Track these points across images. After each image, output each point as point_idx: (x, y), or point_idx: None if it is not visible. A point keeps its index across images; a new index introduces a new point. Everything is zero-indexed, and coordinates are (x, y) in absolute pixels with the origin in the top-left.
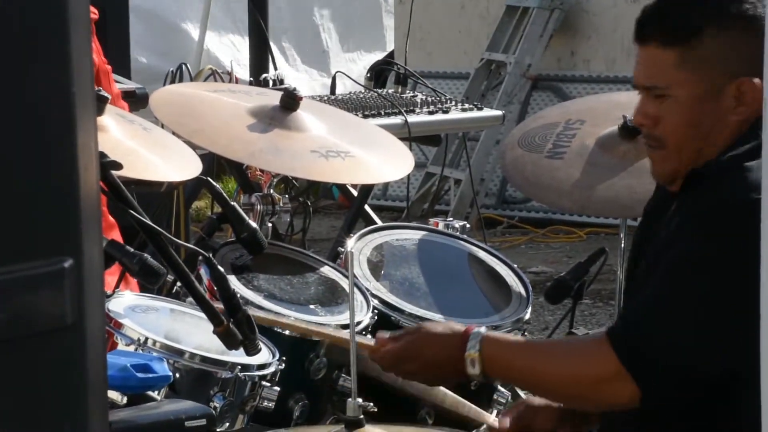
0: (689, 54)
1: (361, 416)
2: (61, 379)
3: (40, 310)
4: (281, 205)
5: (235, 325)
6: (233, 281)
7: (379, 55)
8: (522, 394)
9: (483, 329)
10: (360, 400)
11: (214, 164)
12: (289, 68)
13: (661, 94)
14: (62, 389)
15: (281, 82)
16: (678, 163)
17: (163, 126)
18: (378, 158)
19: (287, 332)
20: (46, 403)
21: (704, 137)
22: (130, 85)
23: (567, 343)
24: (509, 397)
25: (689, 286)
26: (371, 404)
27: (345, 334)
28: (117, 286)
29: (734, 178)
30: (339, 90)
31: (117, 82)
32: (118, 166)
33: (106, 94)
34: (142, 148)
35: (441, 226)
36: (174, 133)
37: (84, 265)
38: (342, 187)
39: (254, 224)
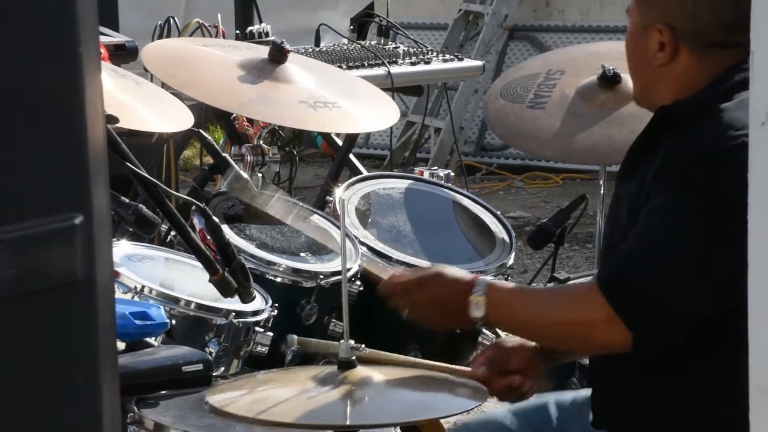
0: None
1: (353, 357)
2: (72, 332)
3: (52, 266)
4: (270, 155)
5: (230, 273)
6: (226, 230)
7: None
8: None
9: (489, 278)
10: (352, 341)
11: (203, 115)
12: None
13: (629, 18)
14: (74, 342)
15: (267, 34)
16: (636, 88)
17: (152, 79)
18: (364, 109)
19: (279, 279)
20: (58, 355)
21: (639, 70)
22: (119, 38)
23: (563, 289)
24: (494, 339)
25: (674, 229)
26: (363, 345)
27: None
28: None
29: (708, 121)
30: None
31: (106, 35)
32: (115, 119)
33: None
34: (135, 101)
35: (426, 175)
36: (164, 86)
37: (93, 221)
38: (326, 136)
39: (245, 175)
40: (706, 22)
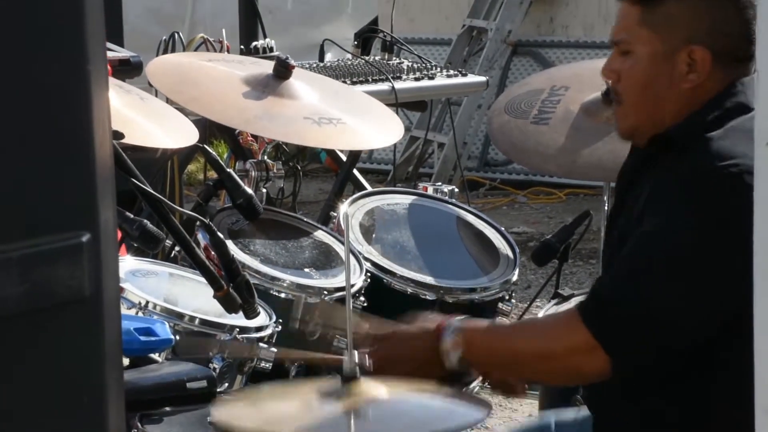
0: (652, 12)
1: (357, 371)
2: (78, 350)
3: (59, 283)
4: (275, 171)
5: (235, 289)
6: (230, 246)
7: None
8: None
9: (455, 321)
10: (356, 354)
11: (207, 130)
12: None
13: (626, 50)
14: (80, 360)
15: (271, 50)
16: (634, 121)
17: (157, 94)
18: (368, 125)
19: (283, 294)
20: (64, 374)
21: (657, 99)
22: (124, 53)
23: (538, 320)
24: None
25: (661, 259)
26: (366, 356)
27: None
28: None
29: (696, 150)
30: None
31: (111, 50)
32: (120, 135)
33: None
34: (140, 116)
35: (430, 191)
36: (168, 101)
37: (100, 239)
38: (330, 152)
39: (249, 190)
40: (738, 36)
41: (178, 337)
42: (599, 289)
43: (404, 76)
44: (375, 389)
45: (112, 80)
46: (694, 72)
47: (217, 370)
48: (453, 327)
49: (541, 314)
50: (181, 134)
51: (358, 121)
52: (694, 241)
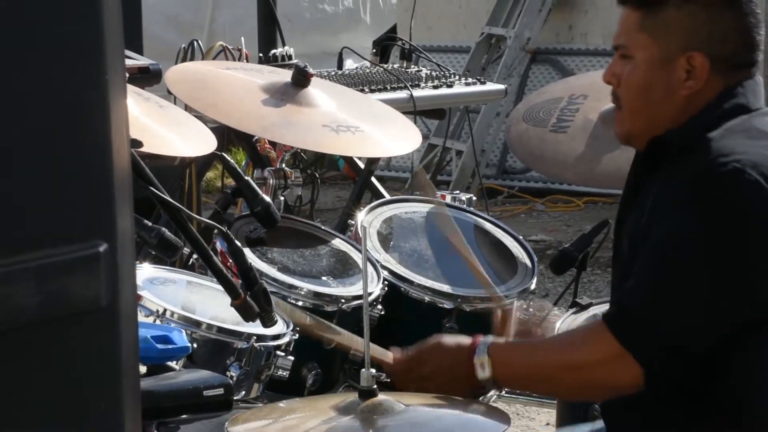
0: (651, 18)
1: (375, 386)
2: (95, 360)
3: (76, 293)
4: (293, 179)
5: (252, 297)
6: (248, 254)
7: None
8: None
9: (490, 338)
10: (373, 370)
11: (225, 137)
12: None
13: (626, 54)
14: (96, 369)
15: (290, 57)
16: (630, 126)
17: (176, 101)
18: (386, 133)
19: (300, 303)
20: (81, 382)
21: (655, 104)
22: (143, 61)
23: (567, 334)
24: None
25: (679, 262)
26: (384, 374)
27: (358, 342)
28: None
29: (696, 152)
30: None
31: (129, 58)
32: (139, 144)
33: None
34: (159, 124)
35: (448, 199)
36: (187, 108)
37: (117, 249)
38: (348, 159)
39: (267, 198)
40: (736, 43)
41: (195, 345)
42: (623, 298)
43: (422, 84)
44: (393, 403)
45: (130, 88)
46: (693, 78)
47: (234, 378)
48: (485, 343)
49: (558, 323)
50: (199, 142)
51: (375, 129)
52: (706, 241)
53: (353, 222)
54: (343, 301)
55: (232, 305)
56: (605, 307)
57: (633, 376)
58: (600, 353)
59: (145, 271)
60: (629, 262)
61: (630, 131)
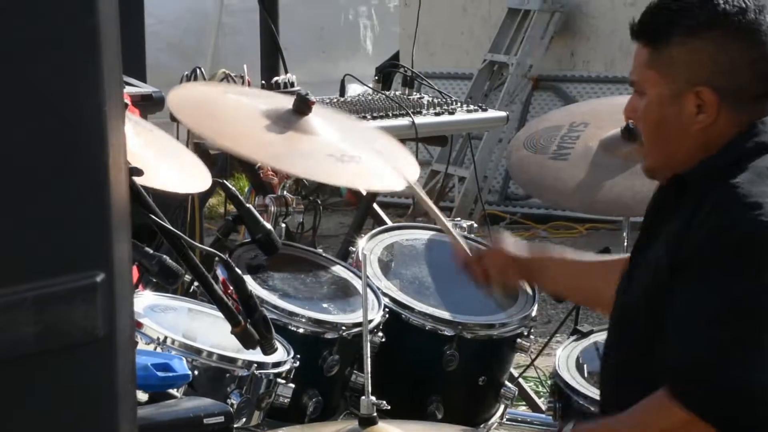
0: (657, 54)
1: (375, 414)
2: (91, 390)
3: (73, 324)
4: (294, 206)
5: (252, 325)
6: (249, 281)
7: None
8: None
9: (570, 425)
10: (374, 398)
11: (228, 163)
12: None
13: (641, 90)
14: (93, 400)
15: (292, 84)
16: (651, 161)
17: (178, 127)
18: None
19: (301, 330)
20: (77, 413)
21: (670, 140)
22: (146, 88)
23: (630, 410)
24: (516, 392)
25: (719, 322)
26: (384, 402)
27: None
28: (136, 286)
29: (722, 198)
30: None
31: (132, 85)
32: (140, 172)
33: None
34: (158, 159)
35: (449, 226)
36: (189, 133)
37: (115, 279)
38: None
39: (268, 225)
40: (746, 76)
41: (195, 372)
42: (678, 365)
43: (425, 111)
44: (393, 430)
45: (130, 116)
46: (704, 113)
47: (235, 406)
48: (568, 429)
49: (560, 351)
50: (195, 177)
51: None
52: (751, 299)
53: (354, 249)
54: (343, 328)
55: (232, 333)
56: (605, 335)
57: None
58: (665, 424)
59: (146, 298)
60: (645, 294)
61: (651, 166)
